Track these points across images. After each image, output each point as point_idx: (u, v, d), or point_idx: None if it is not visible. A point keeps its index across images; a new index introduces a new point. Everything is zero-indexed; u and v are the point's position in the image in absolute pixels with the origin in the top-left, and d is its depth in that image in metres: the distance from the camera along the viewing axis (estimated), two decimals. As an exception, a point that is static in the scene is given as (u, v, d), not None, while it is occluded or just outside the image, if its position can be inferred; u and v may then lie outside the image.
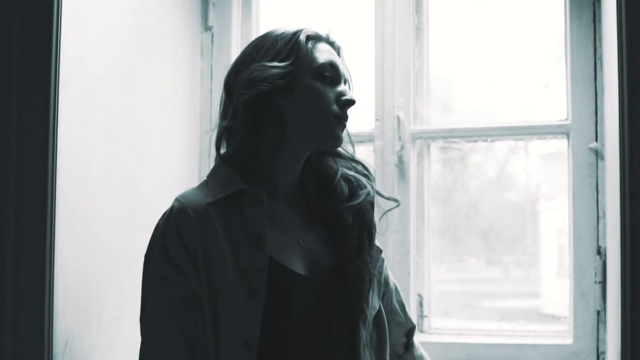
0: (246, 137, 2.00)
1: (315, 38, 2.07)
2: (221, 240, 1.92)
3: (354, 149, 2.19)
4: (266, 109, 1.99)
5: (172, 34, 2.99)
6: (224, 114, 2.06)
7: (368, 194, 2.10)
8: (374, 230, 2.11)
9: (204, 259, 1.92)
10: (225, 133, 2.05)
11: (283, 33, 2.05)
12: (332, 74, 2.04)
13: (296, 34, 2.04)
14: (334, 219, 2.07)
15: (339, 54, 2.12)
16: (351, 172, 2.12)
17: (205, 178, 2.07)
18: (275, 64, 1.99)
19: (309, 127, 2.01)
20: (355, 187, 2.10)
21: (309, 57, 2.02)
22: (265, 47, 2.03)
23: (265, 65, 1.99)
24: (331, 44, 2.11)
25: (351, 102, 2.04)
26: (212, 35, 3.20)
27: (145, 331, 1.99)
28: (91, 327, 2.43)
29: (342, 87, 2.05)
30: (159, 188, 2.79)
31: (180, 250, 1.93)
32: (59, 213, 2.18)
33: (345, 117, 2.04)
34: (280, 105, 2.00)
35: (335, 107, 2.02)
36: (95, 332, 2.45)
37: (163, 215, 2.00)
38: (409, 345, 2.26)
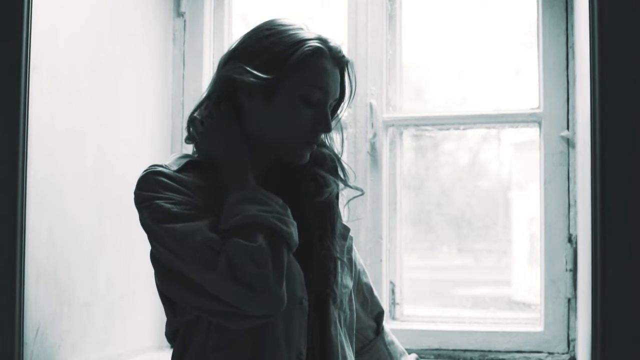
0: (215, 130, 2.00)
1: (319, 53, 1.95)
2: None
3: (342, 137, 2.15)
4: (243, 104, 1.98)
5: (144, 19, 2.97)
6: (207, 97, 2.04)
7: (330, 193, 2.06)
8: (337, 221, 2.09)
9: None
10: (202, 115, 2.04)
11: (288, 35, 1.96)
12: (319, 98, 1.96)
13: (299, 45, 1.94)
14: (297, 211, 2.06)
15: (344, 69, 2.03)
16: (320, 171, 2.10)
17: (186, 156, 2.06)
18: (260, 75, 1.92)
19: (276, 139, 1.98)
20: (320, 185, 2.07)
21: (303, 75, 1.94)
22: (263, 45, 1.96)
23: (249, 72, 1.93)
24: (338, 60, 2.00)
25: (326, 131, 2.01)
26: (185, 22, 3.18)
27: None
28: (62, 313, 2.42)
29: (323, 113, 1.97)
30: (128, 174, 2.78)
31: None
32: (29, 199, 2.17)
33: (315, 142, 2.00)
34: (257, 106, 1.96)
35: (307, 132, 1.97)
36: (66, 319, 2.44)
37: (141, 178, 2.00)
38: (379, 330, 2.26)
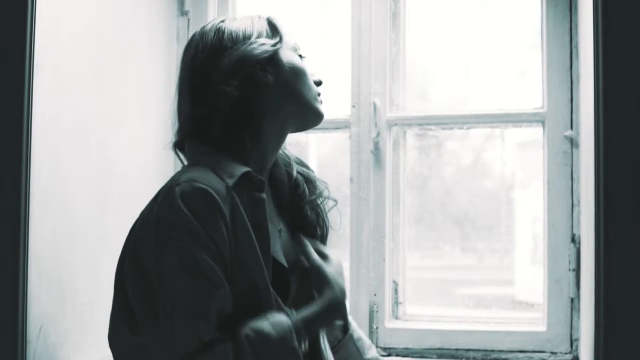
0: (232, 122, 1.98)
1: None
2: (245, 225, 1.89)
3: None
4: (251, 90, 1.98)
5: (147, 18, 2.97)
6: (197, 100, 2.01)
7: (324, 189, 2.18)
8: (328, 222, 2.19)
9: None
10: (202, 120, 2.00)
11: (250, 18, 2.06)
12: (302, 54, 2.10)
13: (266, 18, 2.07)
14: (298, 211, 2.08)
15: None
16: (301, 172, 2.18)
17: (193, 163, 1.99)
18: (264, 40, 2.00)
19: (295, 103, 2.03)
20: (309, 184, 2.17)
21: (288, 35, 2.06)
22: (240, 32, 2.01)
23: (255, 42, 1.99)
24: None
25: (321, 82, 2.10)
26: (188, 20, 3.18)
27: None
28: (65, 312, 2.42)
29: (311, 66, 2.09)
30: (132, 173, 2.78)
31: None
32: (32, 198, 2.17)
33: (319, 94, 2.10)
34: (266, 84, 1.99)
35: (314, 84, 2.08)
36: (69, 317, 2.44)
37: (177, 201, 1.83)
38: (347, 328, 2.22)
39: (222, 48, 2.00)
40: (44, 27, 2.26)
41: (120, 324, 1.94)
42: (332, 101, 2.97)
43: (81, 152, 2.51)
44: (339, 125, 3.06)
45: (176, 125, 2.07)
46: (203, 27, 2.07)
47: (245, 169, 1.92)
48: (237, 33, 2.01)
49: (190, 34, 3.13)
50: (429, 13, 3.37)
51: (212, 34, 2.03)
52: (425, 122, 3.05)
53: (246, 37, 2.00)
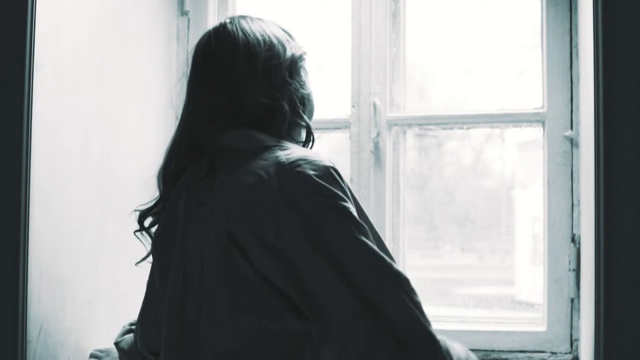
0: (290, 114, 2.04)
1: None
2: None
3: None
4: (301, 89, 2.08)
5: (148, 18, 2.97)
6: (265, 89, 2.02)
7: None
8: None
9: None
10: (267, 108, 2.02)
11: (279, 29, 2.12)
12: None
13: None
14: None
15: None
16: None
17: (289, 146, 1.99)
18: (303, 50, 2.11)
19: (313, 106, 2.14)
20: None
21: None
22: (282, 39, 2.07)
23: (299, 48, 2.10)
24: None
25: None
26: (188, 20, 3.18)
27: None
28: (65, 311, 2.42)
29: None
30: (132, 172, 2.79)
31: None
32: (33, 197, 2.17)
33: None
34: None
35: None
36: (69, 317, 2.44)
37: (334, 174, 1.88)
38: None
39: (281, 44, 2.06)
40: (44, 27, 2.26)
41: (274, 316, 1.83)
42: (332, 101, 2.98)
43: (81, 152, 2.52)
44: (339, 125, 3.06)
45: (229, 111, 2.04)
46: (232, 27, 2.09)
47: None
48: (281, 34, 2.10)
49: (190, 34, 3.15)
50: (429, 13, 3.37)
51: (257, 33, 2.06)
52: (425, 122, 3.05)
53: (282, 44, 2.07)
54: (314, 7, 3.42)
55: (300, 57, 2.08)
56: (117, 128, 2.75)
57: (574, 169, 2.82)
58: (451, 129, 3.07)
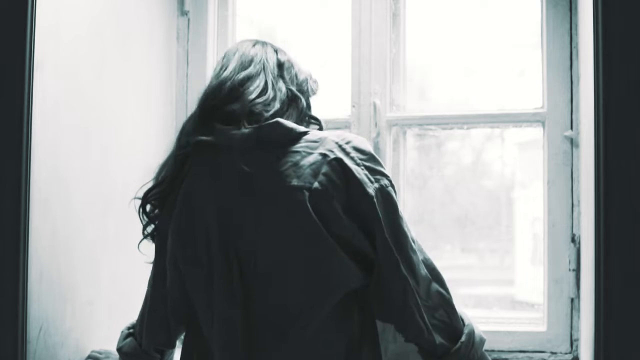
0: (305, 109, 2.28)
1: None
2: None
3: None
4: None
5: (148, 17, 2.97)
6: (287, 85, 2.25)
7: None
8: None
9: None
10: (289, 101, 2.22)
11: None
12: None
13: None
14: None
15: None
16: None
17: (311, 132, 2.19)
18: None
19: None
20: None
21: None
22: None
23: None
24: None
25: None
26: (189, 20, 3.18)
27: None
28: (66, 311, 2.42)
29: None
30: (132, 172, 2.78)
31: None
32: (32, 197, 2.17)
33: None
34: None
35: None
36: (69, 317, 2.44)
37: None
38: None
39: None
40: (44, 26, 2.26)
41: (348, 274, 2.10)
42: (332, 101, 2.97)
43: (81, 152, 2.51)
44: (339, 125, 3.06)
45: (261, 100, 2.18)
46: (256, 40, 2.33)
47: None
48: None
49: (191, 34, 3.15)
50: (429, 13, 3.37)
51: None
52: (425, 122, 3.05)
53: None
54: (314, 7, 3.42)
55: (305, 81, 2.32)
56: (117, 128, 2.75)
57: (574, 169, 2.82)
58: (451, 129, 3.07)
